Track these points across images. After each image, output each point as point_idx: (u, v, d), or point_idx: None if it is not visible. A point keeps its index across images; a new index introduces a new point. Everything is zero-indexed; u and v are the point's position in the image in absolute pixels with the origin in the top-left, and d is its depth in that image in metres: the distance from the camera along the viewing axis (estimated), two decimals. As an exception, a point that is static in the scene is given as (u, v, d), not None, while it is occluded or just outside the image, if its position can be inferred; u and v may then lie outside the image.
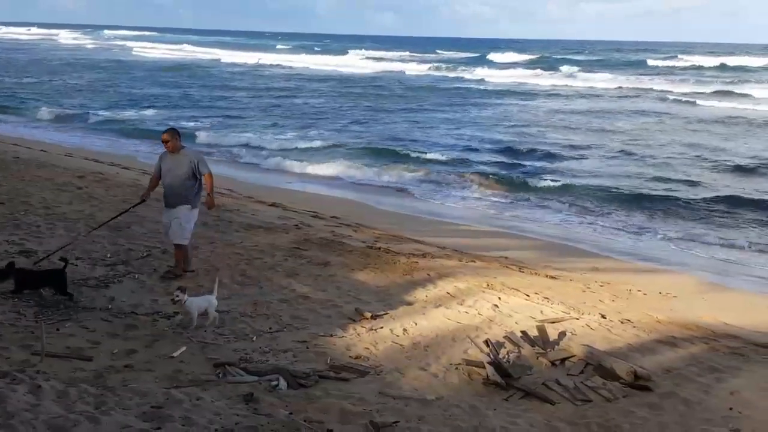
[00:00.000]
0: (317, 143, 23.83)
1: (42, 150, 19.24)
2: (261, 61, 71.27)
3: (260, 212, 13.41)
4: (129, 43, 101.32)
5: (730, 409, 6.36)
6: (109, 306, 7.86)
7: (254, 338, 7.29)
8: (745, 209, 15.73)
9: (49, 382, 5.60)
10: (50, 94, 36.77)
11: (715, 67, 67.93)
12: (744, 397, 6.60)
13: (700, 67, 68.95)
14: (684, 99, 40.28)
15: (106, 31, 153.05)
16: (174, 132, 9.01)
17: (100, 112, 29.76)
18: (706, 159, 22.02)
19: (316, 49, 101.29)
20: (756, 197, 16.84)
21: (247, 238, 11.22)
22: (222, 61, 73.08)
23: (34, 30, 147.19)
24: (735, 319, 9.00)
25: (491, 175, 18.80)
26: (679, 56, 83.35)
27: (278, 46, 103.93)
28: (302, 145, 23.53)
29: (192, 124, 27.56)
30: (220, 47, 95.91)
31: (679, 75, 59.60)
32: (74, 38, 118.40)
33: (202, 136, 23.99)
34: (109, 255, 9.71)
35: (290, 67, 66.56)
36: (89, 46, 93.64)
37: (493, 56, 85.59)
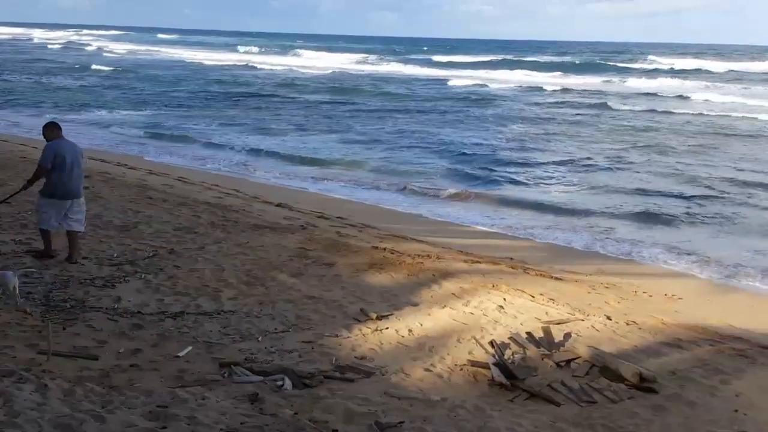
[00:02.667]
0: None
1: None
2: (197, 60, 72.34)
3: (266, 212, 13.43)
4: (103, 43, 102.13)
5: (736, 411, 6.36)
6: (116, 305, 7.90)
7: (260, 338, 7.31)
8: (744, 211, 15.68)
9: (56, 381, 5.62)
10: None
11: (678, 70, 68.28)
12: (749, 399, 6.59)
13: (668, 70, 69.30)
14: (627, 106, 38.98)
15: (85, 31, 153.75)
16: (48, 123, 9.58)
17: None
18: (709, 164, 22.00)
19: (275, 49, 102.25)
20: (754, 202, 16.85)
21: (253, 238, 11.24)
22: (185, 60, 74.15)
23: (14, 30, 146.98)
24: (740, 321, 8.97)
25: (487, 180, 18.77)
26: (650, 58, 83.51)
27: (238, 47, 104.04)
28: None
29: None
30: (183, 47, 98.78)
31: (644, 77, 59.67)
32: (48, 38, 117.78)
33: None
34: (115, 255, 9.75)
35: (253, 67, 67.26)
36: (55, 46, 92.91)
37: (439, 57, 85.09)
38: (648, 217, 15.04)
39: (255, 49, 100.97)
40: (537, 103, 40.32)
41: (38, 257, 9.29)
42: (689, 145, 25.15)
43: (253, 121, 29.51)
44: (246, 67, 66.98)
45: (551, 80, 55.66)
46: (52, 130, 9.41)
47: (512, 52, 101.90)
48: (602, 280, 10.47)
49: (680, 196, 17.06)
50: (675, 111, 35.95)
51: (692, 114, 34.75)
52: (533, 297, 9.20)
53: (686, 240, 13.32)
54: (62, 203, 9.25)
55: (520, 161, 21.74)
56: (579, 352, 7.35)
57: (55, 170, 9.12)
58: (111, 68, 55.83)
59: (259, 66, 68.40)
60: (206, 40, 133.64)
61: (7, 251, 9.48)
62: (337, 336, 7.55)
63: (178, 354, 6.74)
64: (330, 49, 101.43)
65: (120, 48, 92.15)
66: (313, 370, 6.54)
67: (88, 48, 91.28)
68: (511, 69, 66.77)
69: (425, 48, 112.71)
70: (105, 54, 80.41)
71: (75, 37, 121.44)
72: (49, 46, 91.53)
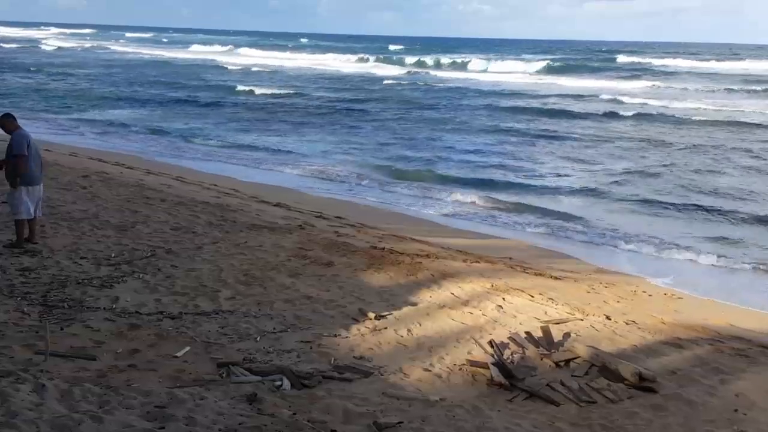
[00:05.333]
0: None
1: (46, 149, 19.26)
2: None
3: (264, 212, 13.41)
4: (57, 41, 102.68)
5: (735, 410, 6.35)
6: (113, 306, 7.88)
7: (258, 338, 7.29)
8: (743, 212, 15.69)
9: (53, 382, 5.61)
10: None
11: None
12: (749, 399, 6.58)
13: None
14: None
15: (54, 29, 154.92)
16: (6, 115, 9.80)
17: None
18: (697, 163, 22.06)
19: (225, 46, 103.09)
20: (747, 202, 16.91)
21: (251, 238, 11.22)
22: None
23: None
24: (740, 321, 8.98)
25: (487, 182, 18.71)
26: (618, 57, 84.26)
27: (192, 46, 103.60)
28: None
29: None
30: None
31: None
32: (11, 36, 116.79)
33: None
34: (113, 255, 9.73)
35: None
36: (6, 45, 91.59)
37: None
38: (644, 216, 15.08)
39: (201, 47, 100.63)
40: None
41: (13, 246, 9.54)
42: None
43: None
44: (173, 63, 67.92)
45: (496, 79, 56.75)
46: (11, 121, 9.67)
47: (500, 51, 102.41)
48: (601, 280, 10.47)
49: (680, 199, 17.08)
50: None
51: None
52: (532, 297, 9.19)
53: (688, 241, 13.32)
54: (35, 189, 9.65)
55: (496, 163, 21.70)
56: (578, 351, 7.34)
57: (27, 158, 9.45)
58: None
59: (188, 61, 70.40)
60: (186, 38, 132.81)
61: (5, 252, 9.46)
62: (335, 336, 7.53)
63: (176, 354, 6.72)
64: (283, 48, 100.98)
65: (69, 45, 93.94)
66: (312, 370, 6.53)
67: (42, 46, 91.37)
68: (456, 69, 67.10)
69: (402, 47, 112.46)
70: (42, 50, 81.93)
71: (39, 35, 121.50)
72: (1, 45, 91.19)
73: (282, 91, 42.51)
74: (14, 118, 9.79)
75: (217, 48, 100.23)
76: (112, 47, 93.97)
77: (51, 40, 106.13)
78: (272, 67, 65.21)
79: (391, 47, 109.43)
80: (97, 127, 26.89)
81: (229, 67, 62.79)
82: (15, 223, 9.68)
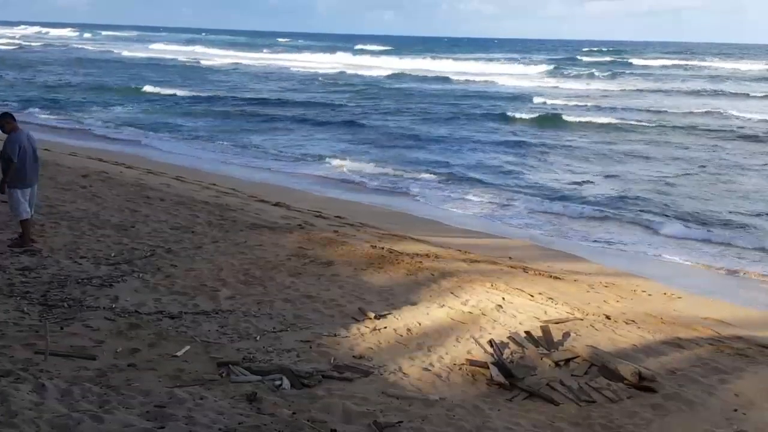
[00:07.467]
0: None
1: (45, 149, 19.24)
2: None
3: (264, 212, 13.41)
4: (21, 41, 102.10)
5: (735, 410, 6.35)
6: (113, 305, 7.87)
7: (258, 338, 7.29)
8: (742, 214, 15.69)
9: (53, 381, 5.60)
10: None
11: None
12: (748, 399, 6.59)
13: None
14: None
15: (36, 27, 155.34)
16: (4, 115, 9.77)
17: None
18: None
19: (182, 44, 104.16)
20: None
21: (251, 237, 11.22)
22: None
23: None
24: (740, 321, 8.97)
25: (488, 182, 18.71)
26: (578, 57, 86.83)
27: (156, 45, 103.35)
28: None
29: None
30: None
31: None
32: None
33: None
34: (113, 254, 9.72)
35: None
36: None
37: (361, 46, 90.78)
38: (645, 217, 15.07)
39: (163, 46, 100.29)
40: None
41: (19, 246, 9.59)
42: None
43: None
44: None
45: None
46: (8, 122, 9.65)
47: (499, 51, 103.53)
48: (601, 280, 10.46)
49: (679, 199, 17.09)
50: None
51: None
52: (532, 296, 9.19)
53: (688, 241, 13.32)
54: (28, 190, 9.70)
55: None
56: (578, 351, 7.34)
57: (20, 161, 9.48)
58: None
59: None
60: (173, 37, 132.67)
61: (5, 251, 9.46)
62: (335, 335, 7.53)
63: (176, 353, 6.72)
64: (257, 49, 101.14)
65: (35, 44, 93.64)
66: (312, 370, 6.53)
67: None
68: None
69: (389, 47, 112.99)
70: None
71: (10, 33, 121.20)
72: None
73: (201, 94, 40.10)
74: (13, 118, 9.75)
75: (176, 47, 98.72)
76: (73, 44, 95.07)
77: (15, 39, 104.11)
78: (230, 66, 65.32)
79: (379, 47, 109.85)
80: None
81: (186, 64, 63.57)
82: (20, 224, 9.72)
